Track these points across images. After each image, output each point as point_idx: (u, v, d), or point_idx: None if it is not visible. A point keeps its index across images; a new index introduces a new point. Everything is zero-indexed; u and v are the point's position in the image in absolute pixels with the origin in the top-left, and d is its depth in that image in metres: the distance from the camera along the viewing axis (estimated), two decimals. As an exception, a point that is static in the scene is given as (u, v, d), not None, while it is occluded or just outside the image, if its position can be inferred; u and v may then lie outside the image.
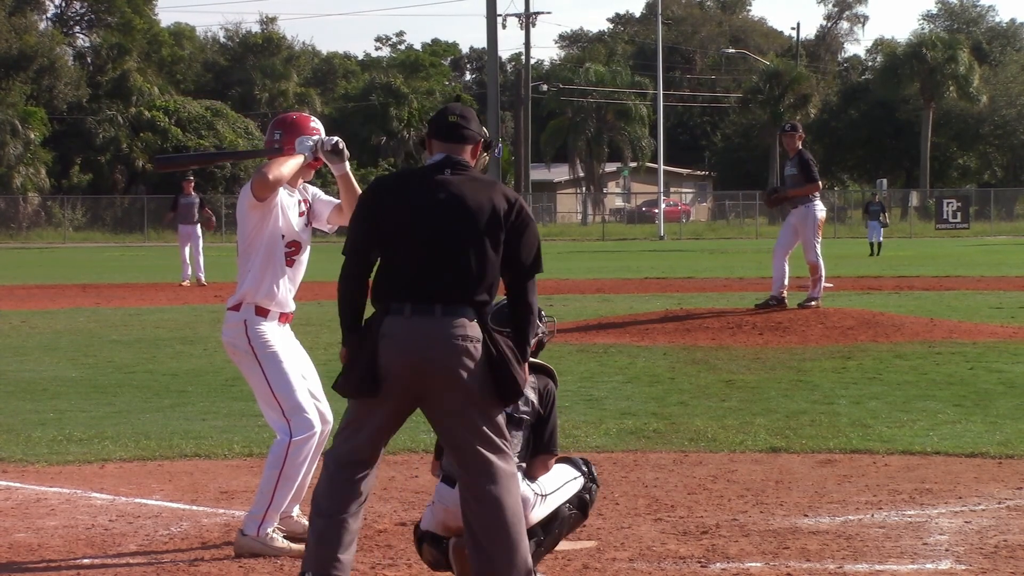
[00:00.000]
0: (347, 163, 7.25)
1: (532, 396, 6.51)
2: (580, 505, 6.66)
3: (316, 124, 7.44)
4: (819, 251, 18.24)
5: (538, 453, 6.50)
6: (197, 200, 31.90)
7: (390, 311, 5.83)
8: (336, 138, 7.27)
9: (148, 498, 8.72)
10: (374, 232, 5.92)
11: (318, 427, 7.28)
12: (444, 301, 5.80)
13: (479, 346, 5.80)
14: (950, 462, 9.62)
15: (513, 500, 5.88)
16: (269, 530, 7.19)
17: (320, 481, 6.04)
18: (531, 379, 6.52)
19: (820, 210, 18.26)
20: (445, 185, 5.89)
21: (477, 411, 5.84)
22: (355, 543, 6.01)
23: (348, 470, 5.97)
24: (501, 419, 5.91)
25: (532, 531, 6.45)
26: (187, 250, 31.47)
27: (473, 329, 5.80)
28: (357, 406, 5.95)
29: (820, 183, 18.17)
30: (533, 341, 6.61)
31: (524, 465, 6.45)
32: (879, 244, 44.76)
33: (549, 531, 6.55)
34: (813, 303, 18.39)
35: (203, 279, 31.01)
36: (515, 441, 6.39)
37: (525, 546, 5.91)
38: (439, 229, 5.83)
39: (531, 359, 6.60)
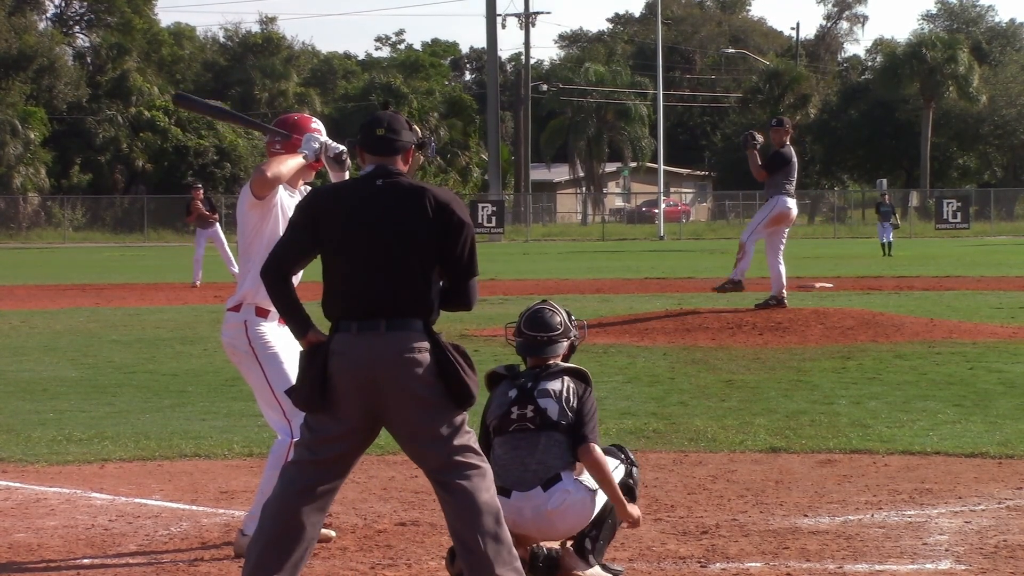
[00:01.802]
0: (347, 173, 7.22)
1: (574, 401, 6.54)
2: (627, 491, 6.70)
3: (317, 125, 7.43)
4: (753, 236, 18.29)
5: (579, 443, 6.52)
6: (208, 206, 31.52)
7: (339, 328, 5.83)
8: (342, 147, 7.21)
9: (148, 498, 8.72)
10: (309, 245, 5.90)
11: None
12: (388, 315, 5.78)
13: (427, 356, 5.77)
14: (950, 462, 9.62)
15: (487, 494, 5.84)
16: None
17: (272, 497, 5.92)
18: (572, 384, 6.58)
19: (785, 206, 18.14)
20: (378, 198, 5.88)
21: (435, 419, 5.81)
22: (305, 550, 5.85)
23: (305, 491, 5.88)
24: (461, 419, 5.87)
25: (584, 530, 6.55)
26: (203, 252, 31.23)
27: (419, 340, 5.78)
28: (317, 425, 5.88)
29: (762, 175, 18.13)
30: (566, 344, 6.65)
31: (576, 466, 6.53)
32: (889, 244, 44.67)
33: (603, 525, 6.61)
34: (730, 285, 18.48)
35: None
36: (561, 447, 6.48)
37: (506, 536, 5.86)
38: (375, 244, 5.82)
39: (565, 363, 6.64)
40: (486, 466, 5.91)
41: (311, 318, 5.90)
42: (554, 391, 6.55)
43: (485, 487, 5.84)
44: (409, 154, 6.05)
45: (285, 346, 7.26)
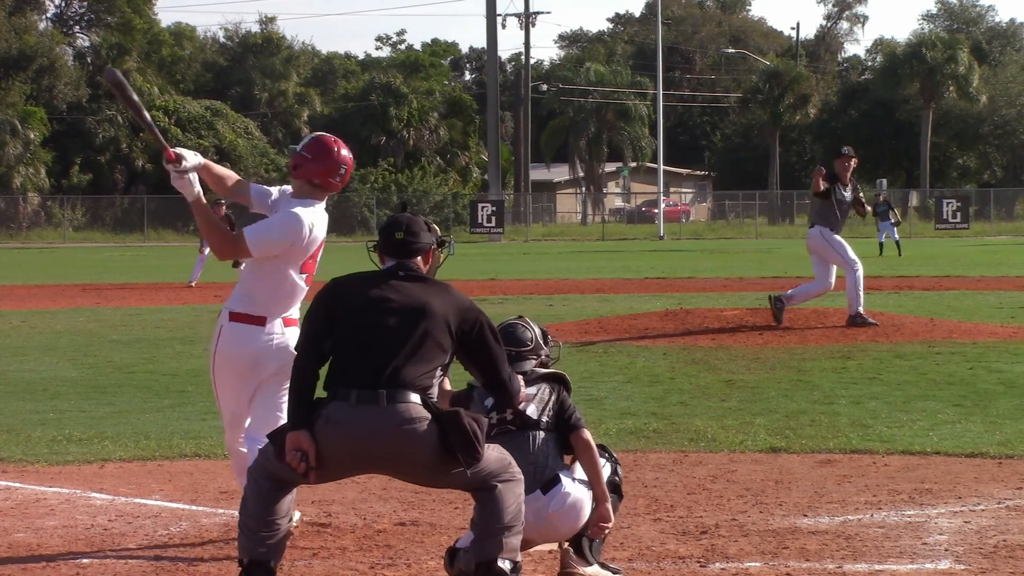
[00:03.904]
0: (194, 192, 7.07)
1: (551, 400, 6.57)
2: (614, 488, 6.71)
3: (346, 154, 7.21)
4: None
5: (569, 432, 6.54)
6: (227, 224, 30.92)
7: (337, 396, 5.91)
8: (181, 163, 7.05)
9: (148, 498, 8.72)
10: (327, 328, 6.00)
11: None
12: (388, 386, 5.87)
13: (426, 425, 5.86)
14: (950, 462, 9.62)
15: (513, 496, 5.99)
16: None
17: (247, 491, 6.14)
18: (547, 386, 6.61)
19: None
20: (396, 286, 6.02)
21: (445, 473, 5.94)
22: (287, 537, 6.13)
23: (276, 485, 6.06)
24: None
25: (580, 530, 6.56)
26: (208, 254, 31.03)
27: (419, 411, 5.88)
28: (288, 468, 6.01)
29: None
30: (535, 363, 6.69)
31: (572, 466, 6.55)
32: (897, 243, 44.54)
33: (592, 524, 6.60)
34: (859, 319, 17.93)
35: None
36: (549, 445, 6.48)
37: (518, 540, 6.02)
38: (388, 323, 5.92)
39: (542, 370, 6.67)
40: (518, 476, 6.06)
41: (307, 421, 5.91)
42: (530, 395, 6.57)
43: (515, 493, 6.01)
44: (428, 255, 6.20)
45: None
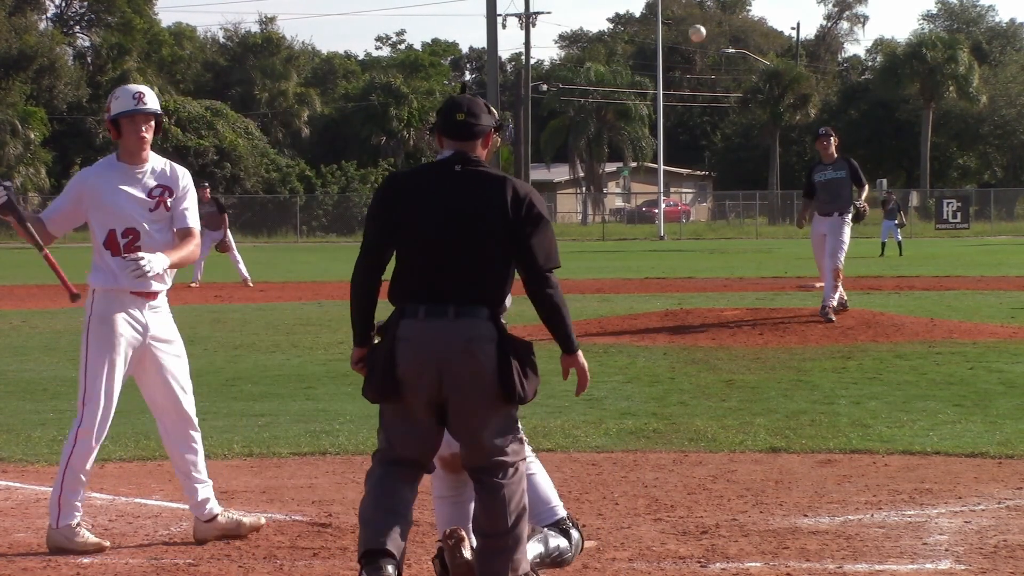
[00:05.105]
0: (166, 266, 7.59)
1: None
2: (565, 534, 6.41)
3: (109, 102, 7.49)
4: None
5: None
6: (215, 208, 30.28)
7: (405, 313, 5.81)
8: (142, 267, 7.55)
9: (148, 498, 8.73)
10: (388, 229, 5.87)
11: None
12: (457, 302, 5.76)
13: (492, 346, 5.77)
14: (950, 462, 9.62)
15: (518, 496, 5.91)
16: (72, 522, 7.27)
17: (367, 480, 5.98)
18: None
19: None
20: (455, 184, 5.84)
21: (487, 412, 5.83)
22: (407, 530, 5.90)
23: (394, 471, 5.92)
24: (511, 418, 5.90)
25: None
26: (207, 251, 30.68)
27: (487, 329, 5.78)
28: (388, 410, 5.92)
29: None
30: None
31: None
32: (899, 243, 44.59)
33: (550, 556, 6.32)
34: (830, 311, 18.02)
35: (248, 280, 29.58)
36: None
37: (524, 540, 5.95)
38: (450, 229, 5.79)
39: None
40: (523, 468, 5.98)
41: (370, 338, 5.89)
42: None
43: (520, 491, 5.92)
44: (488, 138, 5.98)
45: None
